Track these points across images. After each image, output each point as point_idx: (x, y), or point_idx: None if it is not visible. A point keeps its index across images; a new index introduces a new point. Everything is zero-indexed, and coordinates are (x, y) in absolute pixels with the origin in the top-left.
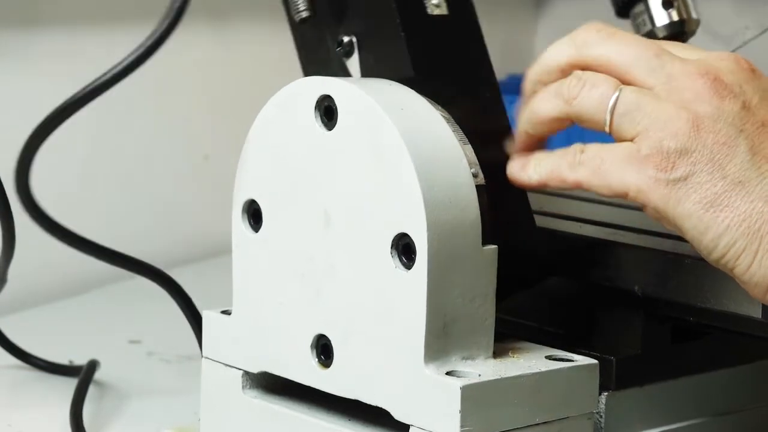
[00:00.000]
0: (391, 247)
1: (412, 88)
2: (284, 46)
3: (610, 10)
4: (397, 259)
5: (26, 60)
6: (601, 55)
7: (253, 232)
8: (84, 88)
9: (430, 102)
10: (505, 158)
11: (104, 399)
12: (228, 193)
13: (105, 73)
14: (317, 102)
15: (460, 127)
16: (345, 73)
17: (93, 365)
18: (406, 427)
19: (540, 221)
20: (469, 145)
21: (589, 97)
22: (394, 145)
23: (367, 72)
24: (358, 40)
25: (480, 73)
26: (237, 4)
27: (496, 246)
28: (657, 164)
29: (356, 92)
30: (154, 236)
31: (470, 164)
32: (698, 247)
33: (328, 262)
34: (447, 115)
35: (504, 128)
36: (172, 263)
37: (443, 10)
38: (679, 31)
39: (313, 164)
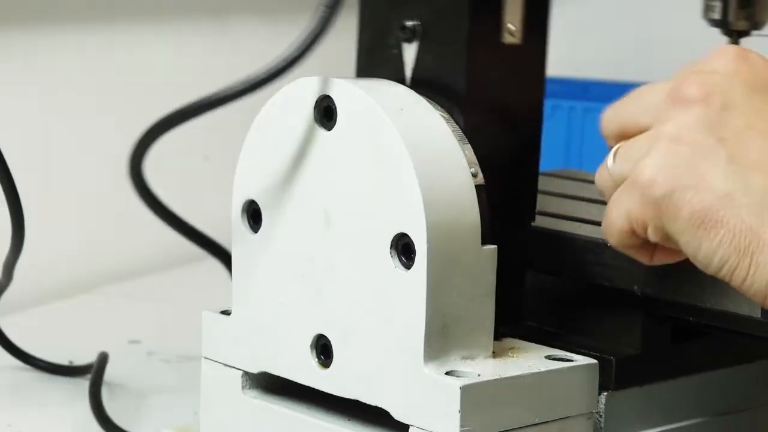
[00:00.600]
0: (391, 247)
1: (457, 103)
2: (284, 46)
3: (609, 13)
4: (397, 259)
5: (23, 58)
6: (614, 128)
7: (253, 232)
8: (225, 89)
9: (429, 102)
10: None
11: (104, 399)
12: (228, 193)
13: (259, 72)
14: (317, 102)
15: (491, 158)
16: (401, 52)
17: (104, 357)
18: (406, 427)
19: (540, 221)
20: (469, 145)
21: (599, 172)
22: (394, 145)
23: (420, 65)
24: (422, 31)
25: (527, 109)
26: (237, 4)
27: (495, 246)
28: (642, 186)
29: (356, 92)
30: (154, 236)
31: (470, 164)
32: (695, 262)
33: (328, 262)
34: (447, 116)
35: (534, 168)
36: (172, 263)
37: (516, 39)
38: (748, 29)
39: (312, 164)
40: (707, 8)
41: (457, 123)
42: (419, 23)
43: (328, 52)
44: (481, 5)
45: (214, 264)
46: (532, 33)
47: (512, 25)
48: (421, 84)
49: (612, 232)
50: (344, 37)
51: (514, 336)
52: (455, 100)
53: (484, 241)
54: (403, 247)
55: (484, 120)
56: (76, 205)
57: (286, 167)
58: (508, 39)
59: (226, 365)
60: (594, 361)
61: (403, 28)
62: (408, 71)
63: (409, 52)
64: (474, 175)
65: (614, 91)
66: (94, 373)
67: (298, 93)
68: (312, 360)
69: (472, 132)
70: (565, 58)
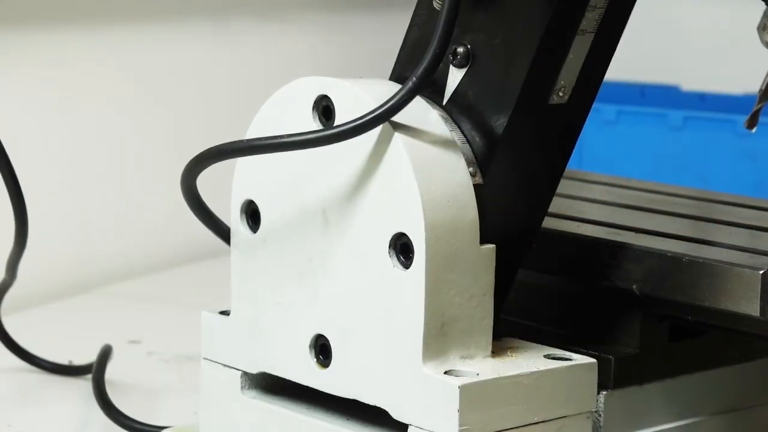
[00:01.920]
0: (389, 247)
1: (488, 150)
2: (284, 46)
3: None
4: (395, 259)
5: (24, 57)
6: None
7: (252, 232)
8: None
9: (428, 101)
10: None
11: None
12: (227, 193)
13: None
14: (315, 102)
15: (501, 214)
16: (445, 68)
17: (107, 350)
18: (405, 426)
19: None
20: (467, 145)
21: None
22: (393, 144)
23: (459, 91)
24: (471, 60)
25: (551, 172)
26: (237, 4)
27: (494, 245)
28: None
29: (354, 92)
30: (154, 237)
31: (468, 163)
32: None
33: (327, 262)
34: (445, 115)
35: (535, 226)
36: (172, 263)
37: (563, 100)
38: None
39: (311, 164)
40: (763, 28)
41: (482, 163)
42: (470, 50)
43: (329, 53)
44: (542, 58)
45: (214, 264)
46: (579, 94)
47: (564, 86)
48: (456, 107)
49: None
50: (343, 37)
51: (512, 335)
52: (488, 139)
53: (483, 240)
54: (402, 247)
55: (509, 168)
56: (77, 205)
57: (285, 167)
58: (554, 99)
59: (225, 365)
60: (593, 360)
61: (455, 54)
62: (448, 93)
63: (455, 76)
64: (473, 175)
65: (613, 91)
66: (98, 363)
67: (296, 93)
68: (311, 360)
69: (495, 176)
70: None
